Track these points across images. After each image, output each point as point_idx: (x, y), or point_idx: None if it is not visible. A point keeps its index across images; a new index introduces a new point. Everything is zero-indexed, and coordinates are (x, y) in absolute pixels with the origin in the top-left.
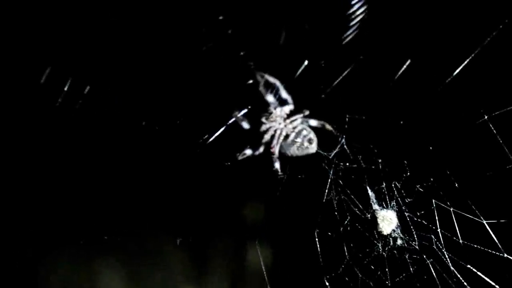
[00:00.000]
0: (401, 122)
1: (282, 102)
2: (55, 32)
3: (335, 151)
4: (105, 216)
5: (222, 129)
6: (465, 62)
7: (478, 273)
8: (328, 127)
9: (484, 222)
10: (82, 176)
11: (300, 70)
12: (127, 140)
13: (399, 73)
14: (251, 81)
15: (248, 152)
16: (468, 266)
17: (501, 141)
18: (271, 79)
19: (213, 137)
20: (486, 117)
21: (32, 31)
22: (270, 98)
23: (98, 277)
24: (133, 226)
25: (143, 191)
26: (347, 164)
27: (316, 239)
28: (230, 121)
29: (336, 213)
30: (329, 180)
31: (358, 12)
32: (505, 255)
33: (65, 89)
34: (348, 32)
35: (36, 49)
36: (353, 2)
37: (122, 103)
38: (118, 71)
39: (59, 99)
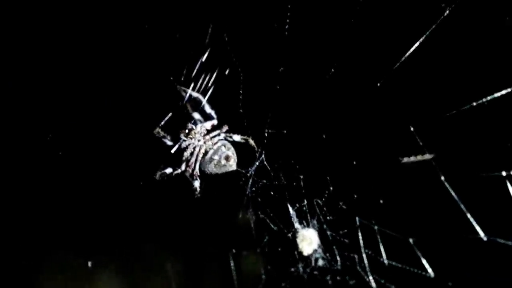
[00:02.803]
0: (324, 136)
1: (205, 117)
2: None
3: (253, 167)
4: (101, 224)
5: (141, 144)
6: (393, 68)
7: None
8: (251, 142)
9: (410, 240)
10: (78, 183)
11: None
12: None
13: (320, 82)
14: (172, 96)
15: (169, 170)
16: (393, 287)
17: (428, 154)
18: (194, 94)
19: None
20: (412, 129)
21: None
22: (194, 113)
23: (94, 285)
24: (130, 235)
25: (141, 201)
26: (264, 181)
27: (231, 260)
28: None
29: (253, 232)
30: (246, 198)
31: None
32: (430, 273)
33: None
34: (268, 38)
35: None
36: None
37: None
38: None
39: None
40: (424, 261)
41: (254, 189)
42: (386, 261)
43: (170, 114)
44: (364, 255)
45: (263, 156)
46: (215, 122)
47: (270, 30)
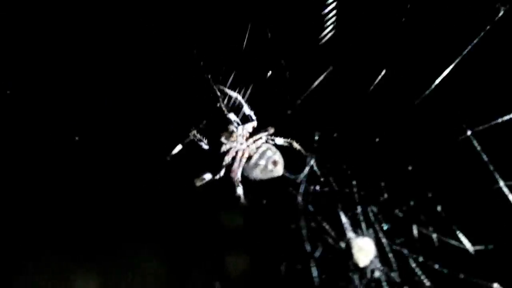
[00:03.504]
0: (377, 139)
1: (244, 119)
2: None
3: (304, 173)
4: (81, 225)
5: (177, 149)
6: (446, 72)
7: None
8: (296, 145)
9: (470, 248)
10: (58, 184)
11: (263, 82)
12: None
13: (374, 84)
14: (209, 96)
15: (208, 176)
16: None
17: (486, 159)
18: (233, 94)
19: (167, 158)
20: (469, 132)
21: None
22: (231, 115)
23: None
24: (109, 235)
25: (120, 201)
26: (317, 187)
27: (283, 274)
28: (187, 141)
29: (305, 243)
30: (297, 206)
31: (328, 23)
32: (494, 285)
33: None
34: (319, 39)
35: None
36: (324, 12)
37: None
38: None
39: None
40: (485, 271)
41: (304, 196)
42: (445, 271)
43: (205, 116)
44: (422, 265)
45: (312, 160)
46: (255, 124)
47: (319, 26)
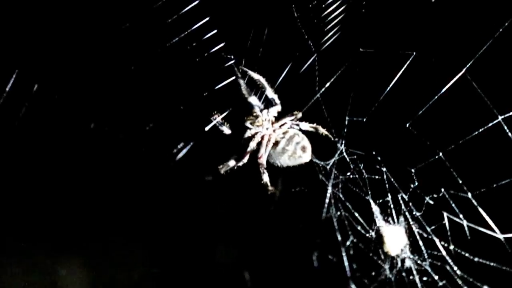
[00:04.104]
0: (407, 125)
1: (268, 103)
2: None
3: (333, 160)
4: (68, 217)
5: (199, 136)
6: (476, 56)
7: None
8: (323, 131)
9: (500, 236)
10: (45, 175)
11: (289, 66)
12: (97, 145)
13: (403, 69)
14: (232, 78)
15: (232, 163)
16: (484, 287)
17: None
18: (255, 76)
19: (189, 146)
20: (500, 118)
21: None
22: (254, 98)
23: (58, 277)
24: (96, 227)
25: (111, 195)
26: (348, 174)
27: (315, 264)
28: (209, 127)
29: (337, 232)
30: (328, 194)
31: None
32: None
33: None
34: (344, 22)
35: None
36: None
37: (93, 109)
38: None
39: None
40: None
41: (334, 183)
42: (476, 259)
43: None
44: (453, 253)
45: (343, 146)
46: (279, 108)
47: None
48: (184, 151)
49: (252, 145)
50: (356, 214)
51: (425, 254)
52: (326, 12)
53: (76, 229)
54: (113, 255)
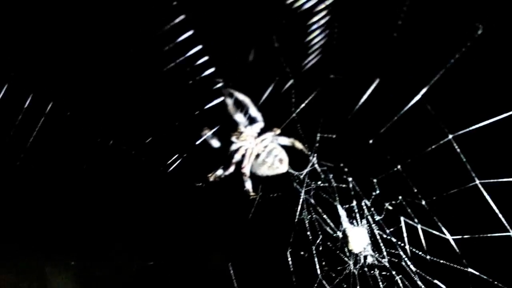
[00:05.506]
0: (370, 142)
1: (252, 120)
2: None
3: (306, 170)
4: (57, 220)
5: (191, 149)
6: (431, 83)
7: (443, 287)
8: (298, 145)
9: (450, 238)
10: (37, 181)
11: (270, 88)
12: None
13: (368, 93)
14: (220, 99)
15: (219, 172)
16: (435, 281)
17: (464, 160)
18: (241, 96)
19: (181, 157)
20: (450, 136)
21: None
22: (239, 116)
23: (48, 281)
24: (87, 230)
25: (105, 201)
26: (319, 183)
27: (289, 259)
28: (200, 140)
29: (308, 232)
30: (301, 200)
31: (319, 36)
32: (469, 269)
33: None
34: (317, 51)
35: None
36: (314, 28)
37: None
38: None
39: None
40: (461, 257)
41: (306, 190)
42: (428, 257)
43: (214, 117)
44: (408, 252)
45: (315, 159)
46: (262, 125)
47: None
48: (178, 161)
49: (237, 157)
50: (325, 217)
51: (385, 252)
52: (303, 42)
53: (66, 233)
54: (105, 259)
